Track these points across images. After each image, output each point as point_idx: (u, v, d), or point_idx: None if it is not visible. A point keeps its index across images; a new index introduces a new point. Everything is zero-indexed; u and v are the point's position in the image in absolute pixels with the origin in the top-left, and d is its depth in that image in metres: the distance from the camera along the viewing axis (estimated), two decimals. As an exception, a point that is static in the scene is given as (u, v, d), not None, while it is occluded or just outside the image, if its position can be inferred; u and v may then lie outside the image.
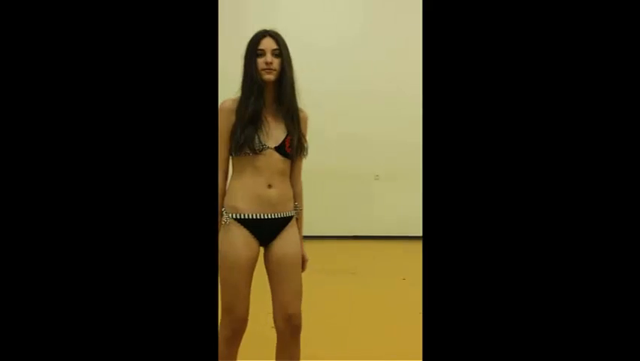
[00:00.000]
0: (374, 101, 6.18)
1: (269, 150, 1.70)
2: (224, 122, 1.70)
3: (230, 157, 1.74)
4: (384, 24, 6.21)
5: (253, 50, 1.71)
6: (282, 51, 1.71)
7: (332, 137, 6.06)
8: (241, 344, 1.75)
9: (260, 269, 1.75)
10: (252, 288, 1.73)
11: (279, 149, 1.72)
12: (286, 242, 1.75)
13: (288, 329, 1.71)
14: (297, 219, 1.82)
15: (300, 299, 1.75)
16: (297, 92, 1.76)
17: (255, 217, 1.70)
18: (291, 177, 1.81)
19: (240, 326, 1.71)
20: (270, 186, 1.71)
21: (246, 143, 1.67)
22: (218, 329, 1.68)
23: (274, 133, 1.72)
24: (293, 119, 1.75)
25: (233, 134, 1.70)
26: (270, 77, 1.70)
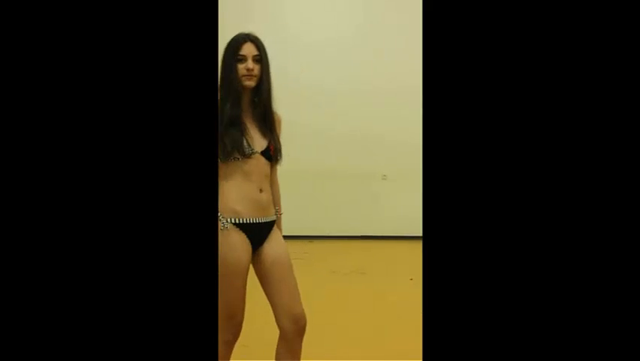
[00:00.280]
0: (382, 100, 6.14)
1: (257, 155, 1.71)
2: None
3: (220, 163, 1.72)
4: (386, 23, 6.19)
5: (233, 55, 1.69)
6: (262, 56, 1.71)
7: (339, 136, 6.04)
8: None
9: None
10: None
11: (265, 153, 1.74)
12: (277, 244, 1.77)
13: (295, 329, 1.71)
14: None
15: (300, 299, 1.75)
16: (272, 96, 1.76)
17: (252, 221, 1.71)
18: (272, 182, 1.83)
19: (239, 329, 1.74)
20: (261, 190, 1.73)
21: (235, 148, 1.66)
22: (218, 334, 1.70)
23: (256, 137, 1.73)
24: (271, 124, 1.76)
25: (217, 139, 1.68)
26: (250, 83, 1.70)
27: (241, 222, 1.69)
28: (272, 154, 1.75)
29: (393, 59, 6.06)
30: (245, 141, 1.68)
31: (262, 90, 1.73)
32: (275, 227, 1.81)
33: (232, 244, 1.67)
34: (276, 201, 1.85)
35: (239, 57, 1.69)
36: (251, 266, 1.77)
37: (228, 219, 1.68)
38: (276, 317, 1.74)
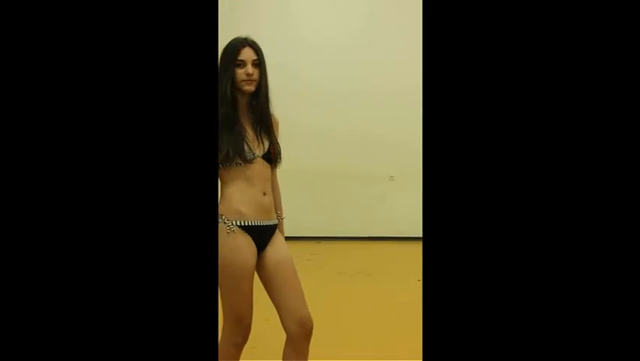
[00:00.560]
0: (390, 101, 6.14)
1: (258, 159, 1.72)
2: None
3: (221, 168, 1.71)
4: (386, 23, 6.18)
5: (232, 60, 1.69)
6: (260, 60, 1.71)
7: (346, 137, 6.05)
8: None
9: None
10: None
11: (266, 157, 1.74)
12: (280, 247, 1.77)
13: (302, 332, 1.71)
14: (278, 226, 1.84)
15: (306, 302, 1.75)
16: (270, 99, 1.77)
17: (257, 224, 1.71)
18: (273, 185, 1.83)
19: (248, 331, 1.74)
20: (264, 193, 1.74)
21: (236, 153, 1.67)
22: (227, 336, 1.71)
23: (257, 141, 1.74)
24: (269, 127, 1.77)
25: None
26: (250, 87, 1.70)
27: (246, 224, 1.69)
28: (272, 157, 1.76)
29: (393, 59, 6.05)
30: (246, 146, 1.69)
31: (260, 94, 1.74)
32: (277, 231, 1.81)
33: (239, 247, 1.67)
34: (277, 205, 1.85)
35: (238, 62, 1.68)
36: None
37: (234, 222, 1.68)
38: (282, 320, 1.73)
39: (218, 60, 1.70)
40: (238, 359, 1.76)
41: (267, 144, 1.75)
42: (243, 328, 1.71)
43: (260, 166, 1.72)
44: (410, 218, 6.14)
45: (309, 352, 1.75)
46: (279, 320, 1.74)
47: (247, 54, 1.69)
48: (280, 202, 1.88)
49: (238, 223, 1.68)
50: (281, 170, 1.88)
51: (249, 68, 1.68)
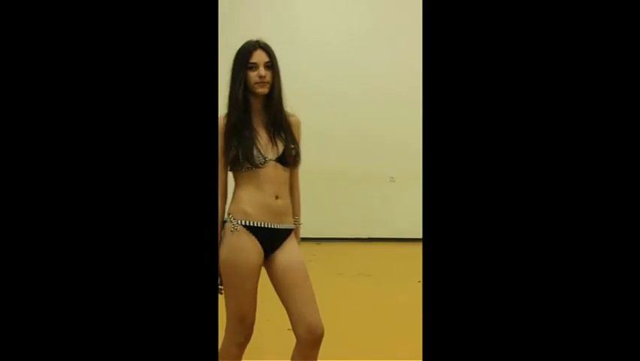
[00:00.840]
0: (390, 101, 6.13)
1: (271, 162, 1.70)
2: (219, 142, 1.68)
3: (233, 172, 1.73)
4: (386, 24, 6.18)
5: (244, 63, 1.68)
6: (273, 63, 1.71)
7: (347, 138, 6.04)
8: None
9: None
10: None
11: (281, 159, 1.72)
12: (291, 252, 1.75)
13: (311, 339, 1.68)
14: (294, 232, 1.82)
15: (317, 307, 1.72)
16: (284, 101, 1.75)
17: (264, 226, 1.70)
18: (291, 188, 1.81)
19: (251, 331, 1.74)
20: (277, 197, 1.72)
21: (245, 158, 1.66)
22: (230, 336, 1.71)
23: (270, 144, 1.72)
24: (285, 128, 1.75)
25: (227, 150, 1.68)
26: (263, 90, 1.69)
27: (251, 224, 1.69)
28: (288, 160, 1.73)
29: (393, 59, 6.05)
30: (255, 151, 1.67)
31: (274, 96, 1.72)
32: (291, 236, 1.79)
33: (242, 246, 1.67)
34: (295, 211, 1.82)
35: (250, 65, 1.68)
36: (265, 271, 1.76)
37: (239, 221, 1.68)
38: (291, 324, 1.71)
39: (231, 64, 1.70)
40: (240, 358, 1.76)
41: (281, 146, 1.73)
42: (245, 327, 1.71)
43: (272, 170, 1.71)
44: (410, 219, 6.16)
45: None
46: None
47: (259, 57, 1.69)
48: (299, 207, 1.85)
49: (243, 223, 1.68)
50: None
51: (262, 71, 1.68)
